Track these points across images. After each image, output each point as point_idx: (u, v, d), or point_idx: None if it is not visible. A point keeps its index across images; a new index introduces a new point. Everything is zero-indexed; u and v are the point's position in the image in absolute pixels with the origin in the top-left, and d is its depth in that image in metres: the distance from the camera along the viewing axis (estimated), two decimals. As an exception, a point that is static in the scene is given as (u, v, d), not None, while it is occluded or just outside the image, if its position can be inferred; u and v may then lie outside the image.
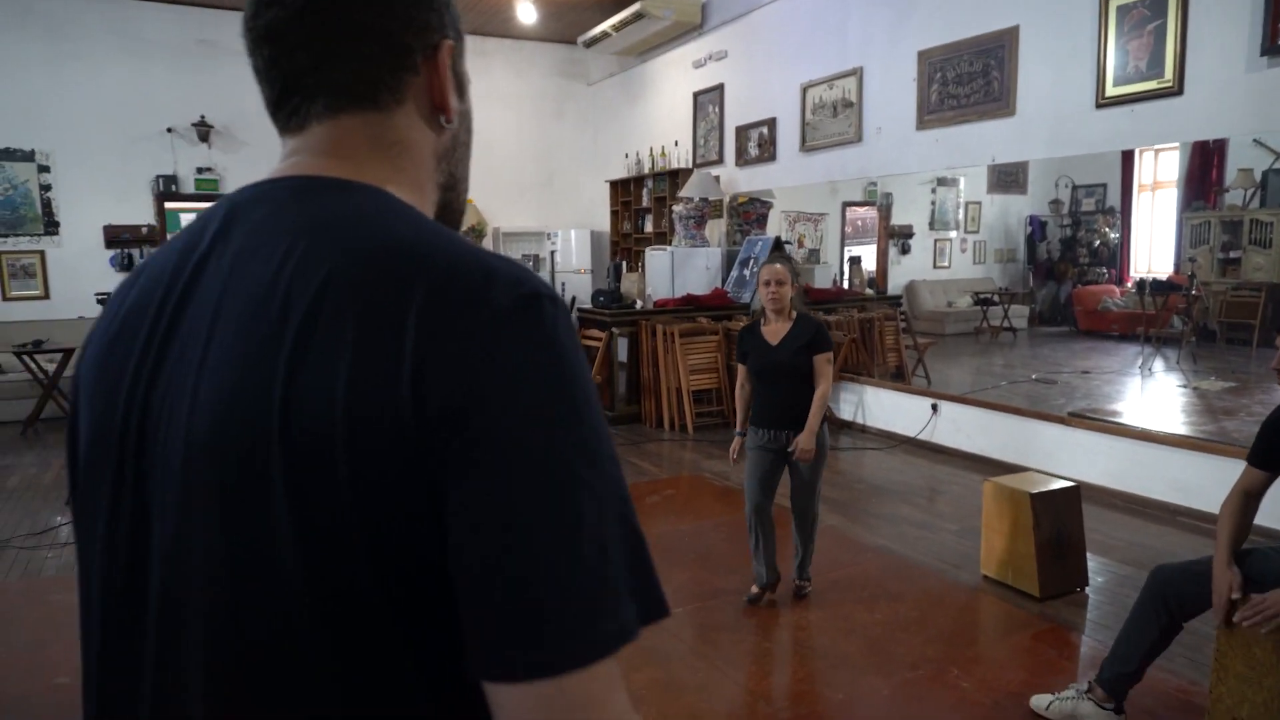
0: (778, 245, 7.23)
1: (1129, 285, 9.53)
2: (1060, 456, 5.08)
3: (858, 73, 6.31)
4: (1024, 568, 3.56)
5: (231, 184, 8.62)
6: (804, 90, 6.84)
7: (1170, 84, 4.35)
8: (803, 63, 6.84)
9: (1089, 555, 3.93)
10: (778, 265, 3.38)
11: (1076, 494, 3.67)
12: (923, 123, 5.79)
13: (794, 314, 3.40)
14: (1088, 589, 3.59)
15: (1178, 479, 4.46)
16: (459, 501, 0.52)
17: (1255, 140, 8.01)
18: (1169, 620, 2.42)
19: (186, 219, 9.04)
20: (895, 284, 10.62)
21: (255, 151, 8.65)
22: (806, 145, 6.87)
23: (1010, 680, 2.85)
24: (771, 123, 7.26)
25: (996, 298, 10.52)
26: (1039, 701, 2.65)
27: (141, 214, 8.43)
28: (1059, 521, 3.58)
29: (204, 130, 8.43)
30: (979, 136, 5.43)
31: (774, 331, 3.39)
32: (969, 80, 5.42)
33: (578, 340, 0.58)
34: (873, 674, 2.92)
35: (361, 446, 0.52)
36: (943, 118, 5.63)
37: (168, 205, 8.55)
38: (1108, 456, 4.84)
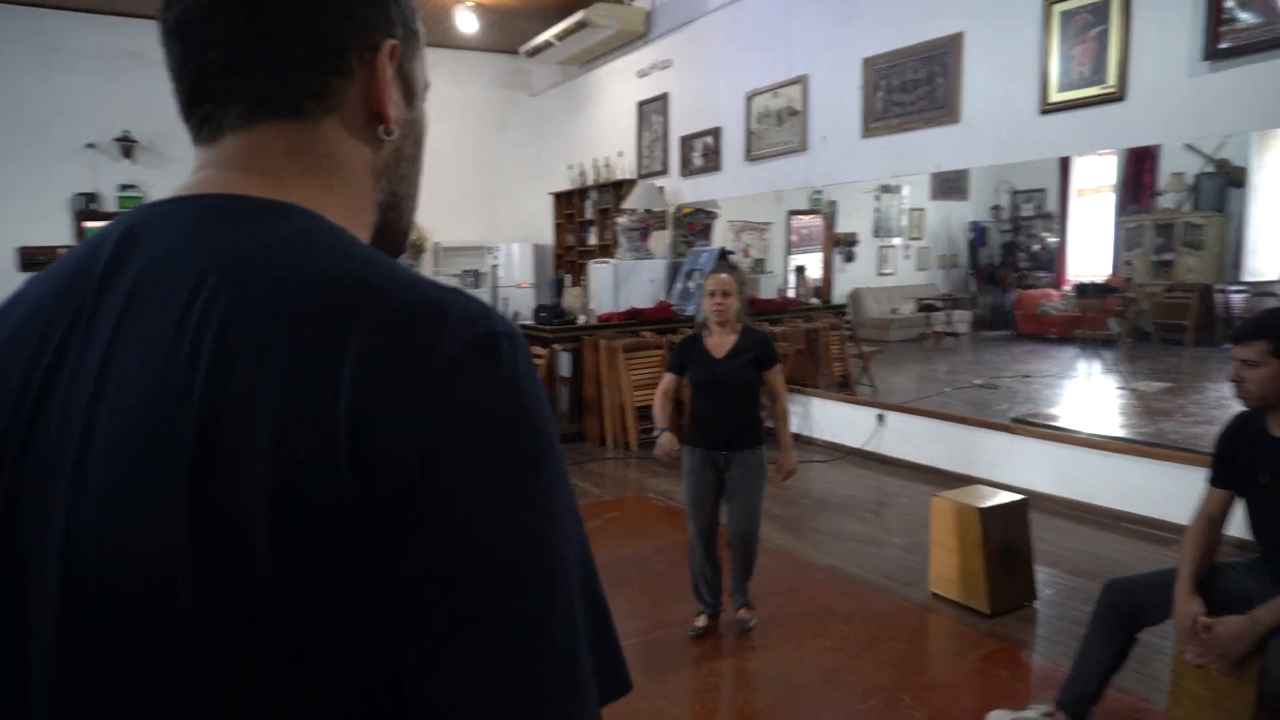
0: (723, 256, 7.14)
1: (1067, 289, 9.68)
2: (1005, 465, 5.03)
3: (803, 81, 6.25)
4: (974, 584, 3.47)
5: (157, 199, 8.28)
6: (749, 99, 6.76)
7: (1114, 89, 4.33)
8: (748, 71, 6.76)
9: (1037, 567, 3.88)
10: (724, 275, 3.25)
11: (1025, 506, 3.59)
12: (868, 130, 5.73)
13: (739, 326, 3.27)
14: (1037, 603, 3.52)
15: (1121, 484, 4.43)
16: (409, 583, 0.46)
17: (1187, 145, 8.17)
18: (1125, 636, 2.34)
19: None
20: (840, 292, 10.63)
21: (183, 167, 8.04)
22: (752, 154, 6.79)
23: (964, 705, 2.74)
24: (716, 132, 7.17)
25: (940, 303, 10.60)
26: (998, 718, 2.56)
27: (59, 234, 8.02)
28: (1008, 535, 3.50)
29: (127, 145, 8.08)
30: (924, 144, 5.38)
31: (718, 344, 3.25)
32: (914, 87, 5.39)
33: (538, 381, 0.52)
34: (824, 707, 2.78)
35: (291, 531, 0.45)
36: (888, 125, 5.59)
37: (87, 225, 8.15)
38: (1051, 463, 4.81)
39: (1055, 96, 4.55)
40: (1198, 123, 4.04)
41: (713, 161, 7.20)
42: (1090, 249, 9.78)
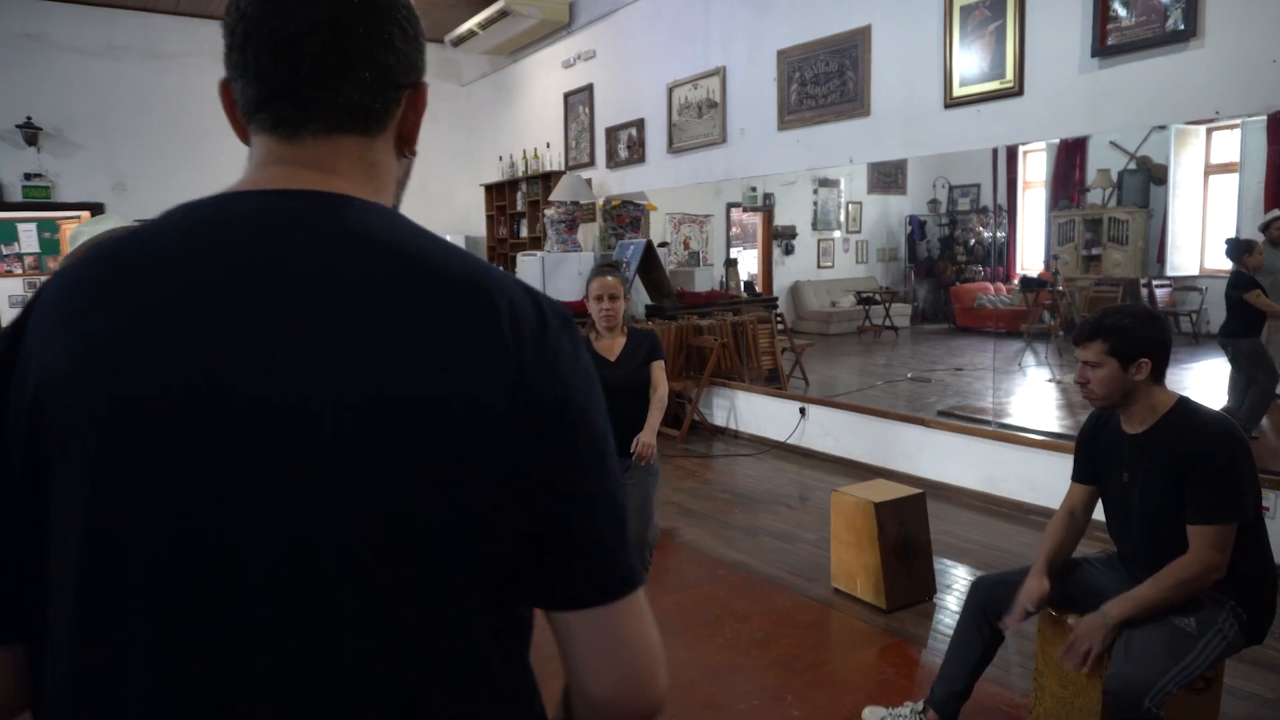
0: (650, 249, 7.07)
1: (1014, 282, 9.80)
2: (920, 458, 5.07)
3: (721, 72, 6.20)
4: (871, 580, 3.46)
5: (66, 191, 7.94)
6: (670, 90, 6.70)
7: (1011, 85, 4.36)
8: (669, 62, 6.70)
9: (942, 560, 3.89)
10: (609, 279, 3.17)
11: (922, 501, 3.59)
12: (784, 123, 5.71)
13: (625, 328, 3.21)
14: (935, 598, 3.53)
15: (1030, 477, 4.48)
16: (551, 473, 0.66)
17: (1111, 142, 8.30)
18: (991, 633, 2.34)
19: (26, 231, 8.27)
20: (780, 285, 10.66)
21: (92, 155, 7.98)
22: (674, 147, 6.73)
23: (845, 703, 2.72)
24: (640, 124, 7.10)
25: (879, 297, 10.67)
26: (870, 716, 2.55)
27: (-40, 224, 7.68)
28: (905, 530, 3.50)
29: (31, 133, 7.73)
30: (837, 137, 5.37)
31: (608, 347, 3.19)
32: (826, 80, 5.37)
33: None
34: (705, 708, 2.75)
35: (492, 433, 0.63)
36: (802, 118, 5.56)
37: (-8, 215, 7.82)
38: (964, 456, 4.84)
39: (958, 91, 4.56)
40: (1091, 118, 4.07)
41: (637, 153, 7.13)
42: (1031, 243, 9.91)
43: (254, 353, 0.61)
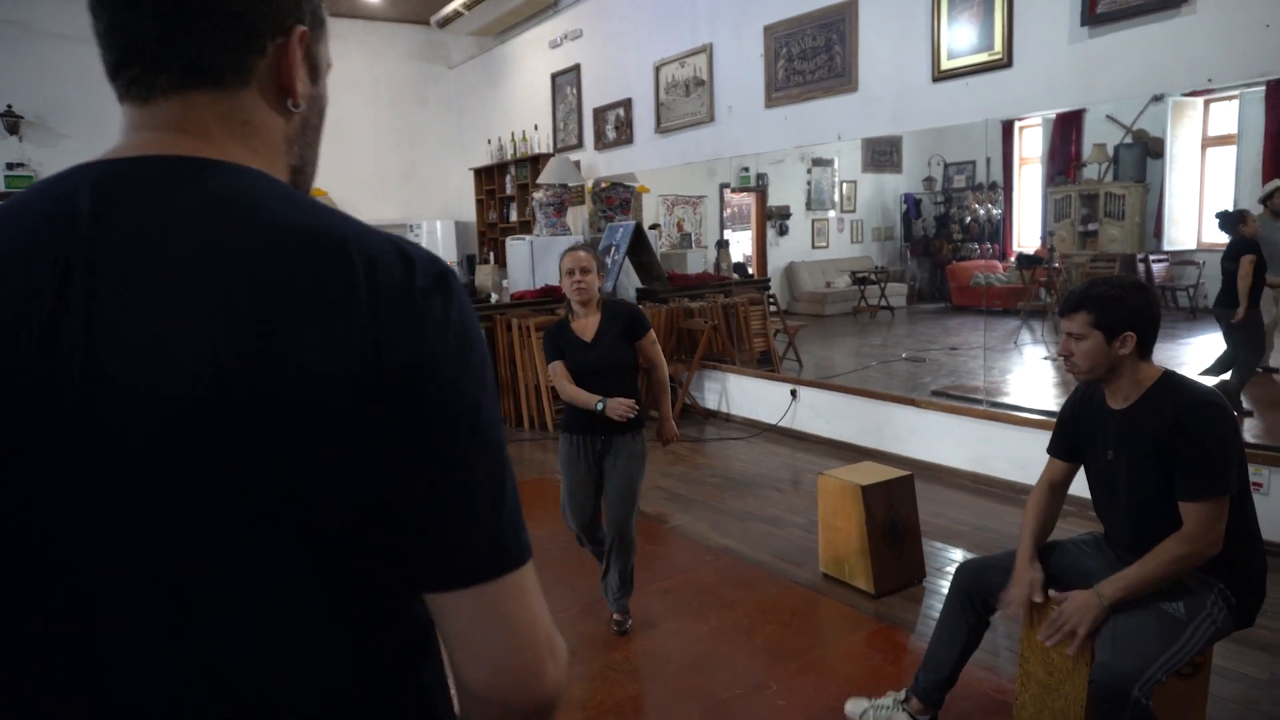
0: (639, 231, 6.98)
1: (1011, 260, 9.70)
2: (911, 439, 5.01)
3: (708, 49, 6.09)
4: (859, 564, 3.41)
5: (49, 180, 7.84)
6: (657, 69, 6.59)
7: (1000, 56, 4.26)
8: (655, 40, 6.59)
9: (933, 543, 3.84)
10: (581, 252, 3.05)
11: (910, 483, 3.53)
12: (771, 100, 5.61)
13: (600, 304, 3.11)
14: (925, 581, 3.47)
15: (1020, 456, 4.42)
16: (422, 441, 0.61)
17: (1107, 116, 8.18)
18: (976, 619, 2.28)
19: None
20: (775, 266, 10.56)
21: (76, 144, 7.86)
22: (662, 126, 6.63)
23: (829, 691, 2.67)
24: (628, 104, 6.99)
25: (874, 276, 10.57)
26: (853, 708, 2.49)
27: (-58, 216, 7.58)
28: (893, 513, 3.44)
29: (12, 121, 7.63)
30: (825, 113, 5.28)
31: (585, 326, 3.08)
32: (813, 55, 5.26)
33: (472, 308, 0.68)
34: (688, 698, 2.70)
35: (331, 401, 0.59)
36: (790, 95, 5.46)
37: (-25, 206, 7.72)
38: (956, 436, 4.78)
39: (946, 64, 4.47)
40: (1081, 90, 3.98)
41: (625, 134, 7.02)
42: (1029, 220, 9.81)
43: (79, 324, 0.58)
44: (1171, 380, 1.99)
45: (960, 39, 4.42)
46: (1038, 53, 4.12)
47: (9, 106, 7.60)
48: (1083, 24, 3.85)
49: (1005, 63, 4.23)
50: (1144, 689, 1.74)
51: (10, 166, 7.73)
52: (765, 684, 2.75)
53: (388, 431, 0.60)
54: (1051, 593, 2.05)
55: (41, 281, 0.59)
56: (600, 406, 2.93)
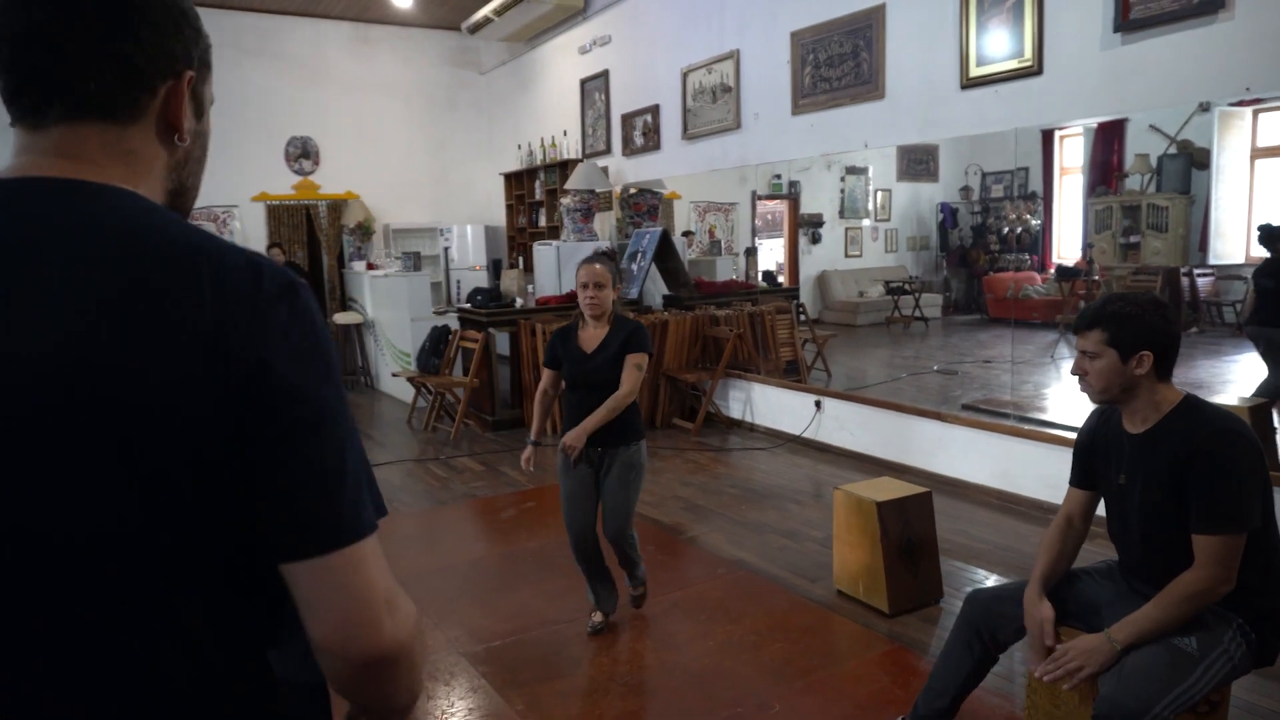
0: (665, 238, 6.94)
1: (1050, 272, 9.49)
2: (937, 454, 4.89)
3: (734, 55, 6.04)
4: (873, 581, 3.32)
5: (90, 182, 8.01)
6: (684, 75, 6.55)
7: (1030, 64, 4.15)
8: (683, 46, 6.55)
9: (953, 562, 3.73)
10: (597, 266, 3.04)
11: (928, 499, 3.43)
12: (798, 107, 5.54)
13: (611, 319, 3.08)
14: (942, 601, 3.37)
15: (1049, 474, 4.29)
16: (262, 433, 0.69)
17: (1151, 125, 7.96)
18: (983, 651, 2.19)
19: None
20: (806, 274, 10.44)
21: None
22: (689, 133, 6.59)
23: (833, 714, 2.60)
24: (655, 110, 6.96)
25: (908, 286, 10.40)
26: None
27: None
28: (909, 531, 3.35)
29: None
30: (851, 120, 5.19)
31: (590, 337, 3.06)
32: (840, 62, 5.19)
33: (323, 318, 0.77)
34: (688, 715, 2.64)
35: (184, 399, 0.67)
36: (816, 101, 5.39)
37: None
38: (983, 452, 4.66)
39: (975, 71, 4.36)
40: (1113, 98, 3.86)
41: (653, 140, 6.99)
42: (1073, 230, 9.59)
43: None
44: (1192, 405, 1.90)
45: (989, 45, 4.31)
46: (1069, 60, 4.00)
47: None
48: (1115, 30, 3.74)
49: (1035, 70, 4.12)
50: (1150, 728, 1.65)
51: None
52: (768, 704, 2.68)
53: (232, 428, 0.68)
54: (1060, 640, 1.96)
55: None
56: (533, 441, 3.18)
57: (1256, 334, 4.39)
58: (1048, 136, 9.15)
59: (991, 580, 3.59)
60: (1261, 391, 4.55)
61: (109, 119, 0.73)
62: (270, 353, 0.69)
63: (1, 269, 0.67)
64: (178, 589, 0.70)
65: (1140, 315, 1.89)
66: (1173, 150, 7.72)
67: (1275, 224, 4.47)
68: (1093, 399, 1.95)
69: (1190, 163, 7.62)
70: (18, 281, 0.66)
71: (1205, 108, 7.08)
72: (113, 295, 0.66)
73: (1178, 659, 1.76)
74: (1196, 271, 7.64)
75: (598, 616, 3.21)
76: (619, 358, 2.99)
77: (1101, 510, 2.11)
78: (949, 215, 10.96)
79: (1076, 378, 1.96)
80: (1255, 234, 4.36)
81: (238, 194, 8.75)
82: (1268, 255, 4.25)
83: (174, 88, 0.76)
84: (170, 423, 0.66)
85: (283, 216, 9.00)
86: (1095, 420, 2.10)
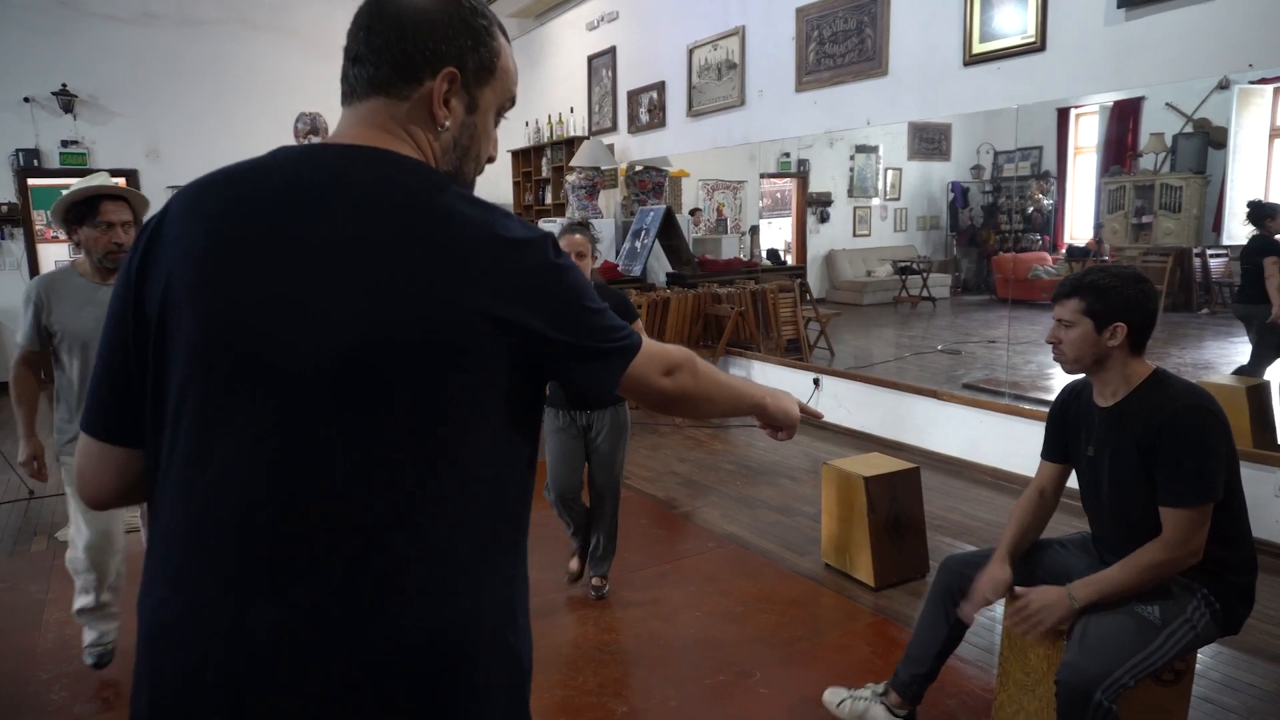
0: (670, 216, 6.94)
1: (1061, 252, 9.41)
2: (932, 431, 4.91)
3: (740, 32, 6.01)
4: (859, 555, 3.36)
5: (101, 158, 8.08)
6: (690, 52, 6.52)
7: (1034, 40, 4.12)
8: (689, 21, 6.52)
9: (942, 537, 3.77)
10: (577, 236, 3.05)
11: (916, 476, 3.46)
12: (802, 84, 5.51)
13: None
14: (927, 576, 3.40)
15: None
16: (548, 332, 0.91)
17: (1167, 104, 7.85)
18: (958, 617, 2.22)
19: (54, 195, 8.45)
20: (814, 253, 10.39)
21: (128, 123, 8.10)
22: (693, 110, 6.57)
23: (814, 682, 2.63)
24: (661, 87, 6.94)
25: (917, 266, 10.34)
26: (831, 697, 2.45)
27: (1, 191, 7.87)
28: (896, 506, 3.38)
29: (67, 100, 7.87)
30: (854, 98, 5.17)
31: None
32: (844, 39, 5.16)
33: None
34: (669, 683, 2.69)
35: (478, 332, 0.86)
36: (820, 79, 5.36)
37: (31, 182, 7.99)
38: (976, 429, 4.67)
39: (978, 47, 4.33)
40: (1116, 75, 3.83)
41: (658, 117, 6.98)
42: (1086, 210, 9.50)
43: (294, 263, 0.87)
44: (1161, 379, 1.91)
45: (994, 22, 4.28)
46: (1072, 36, 3.97)
47: (63, 85, 7.85)
48: (1119, 5, 3.70)
49: (1039, 46, 4.09)
50: (1108, 693, 1.68)
51: (65, 144, 7.99)
52: (750, 672, 2.73)
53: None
54: (1018, 589, 1.99)
55: (293, 207, 0.89)
56: None
57: (1241, 312, 4.39)
58: (1063, 115, 9.04)
59: (980, 556, 3.62)
60: (1243, 370, 4.54)
61: (392, 96, 0.94)
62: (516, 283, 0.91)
63: (352, 205, 0.87)
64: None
65: (1119, 288, 1.91)
66: (1189, 129, 7.62)
67: (1267, 202, 4.45)
68: (1065, 368, 1.97)
69: (1206, 142, 7.51)
70: (357, 214, 0.87)
71: (1224, 85, 6.97)
72: (409, 230, 0.86)
73: (1141, 626, 1.79)
74: (1210, 252, 7.57)
75: (575, 564, 3.33)
76: None
77: (1074, 482, 2.14)
78: (960, 195, 10.87)
79: (1051, 345, 1.97)
80: (1245, 209, 4.35)
81: (247, 169, 8.78)
82: (1255, 233, 4.25)
83: (438, 81, 0.94)
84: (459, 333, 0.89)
85: (292, 192, 9.02)
86: (1067, 394, 2.12)
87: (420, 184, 0.89)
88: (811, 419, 1.32)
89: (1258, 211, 4.19)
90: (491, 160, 1.07)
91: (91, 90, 8.01)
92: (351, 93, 0.96)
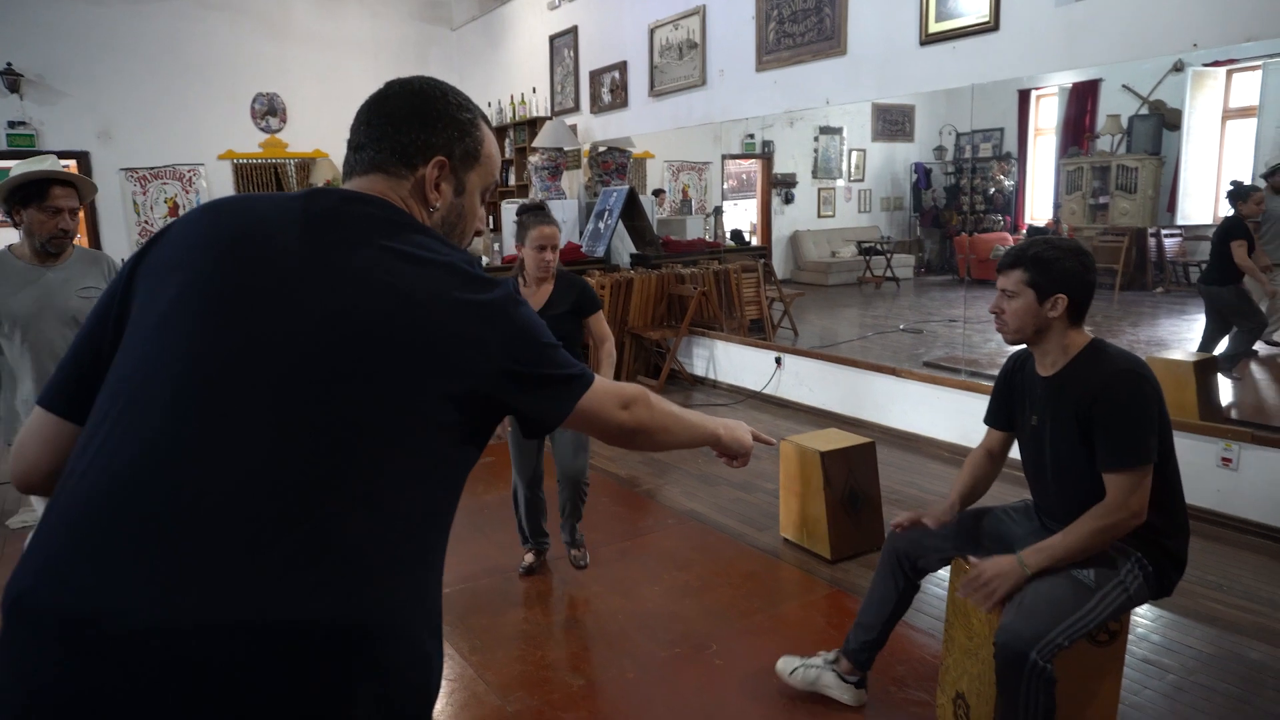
0: (632, 197, 6.93)
1: (1022, 232, 9.54)
2: (892, 408, 4.98)
3: (700, 11, 5.99)
4: (816, 529, 3.41)
5: (51, 139, 7.88)
6: (651, 31, 6.50)
7: (988, 20, 4.16)
8: (650, 1, 6.49)
9: (898, 511, 3.82)
10: (549, 229, 3.03)
11: (871, 451, 3.51)
12: (762, 64, 5.52)
13: (555, 274, 3.10)
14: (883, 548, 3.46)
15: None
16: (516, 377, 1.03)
17: (1123, 85, 7.96)
18: (906, 582, 2.28)
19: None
20: (779, 234, 10.43)
21: (77, 104, 7.91)
22: (655, 90, 6.55)
23: (769, 653, 2.68)
24: (623, 67, 6.91)
25: (881, 246, 10.43)
26: (784, 666, 2.49)
27: (-55, 172, 7.65)
28: (853, 480, 3.43)
29: (12, 80, 7.65)
30: (813, 77, 5.19)
31: (536, 296, 3.08)
32: (804, 18, 5.17)
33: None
34: (626, 656, 2.72)
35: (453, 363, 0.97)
36: (780, 58, 5.37)
37: (-23, 162, 7.78)
38: (935, 406, 4.75)
39: (934, 27, 4.37)
40: (1065, 54, 3.88)
41: (620, 98, 6.95)
42: (1046, 191, 9.64)
43: (295, 273, 0.95)
44: (1098, 349, 1.96)
45: (949, 1, 4.31)
46: (1024, 16, 4.01)
47: (9, 65, 7.63)
48: (1068, -15, 3.75)
49: (992, 26, 4.13)
50: (1043, 652, 1.73)
51: (12, 125, 7.78)
52: (706, 644, 2.77)
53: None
54: (971, 559, 2.04)
55: (286, 240, 0.98)
56: None
57: (1205, 291, 4.50)
58: (1023, 97, 9.16)
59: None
60: (1206, 348, 4.66)
61: (389, 175, 1.06)
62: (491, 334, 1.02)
63: (325, 238, 0.98)
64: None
65: (1060, 260, 1.94)
66: (1144, 111, 7.75)
67: (1247, 183, 4.55)
68: (1006, 338, 2.01)
69: (1161, 123, 7.65)
70: (345, 248, 0.97)
71: (1179, 68, 7.10)
72: (400, 274, 0.96)
73: (1075, 589, 1.84)
74: (1164, 232, 7.71)
75: (529, 558, 3.34)
76: (569, 317, 3.01)
77: (1016, 452, 2.19)
78: (923, 176, 10.97)
79: (993, 315, 2.01)
80: (1226, 189, 4.46)
81: (204, 152, 8.63)
82: (1229, 214, 4.36)
83: (430, 168, 1.07)
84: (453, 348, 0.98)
85: (250, 175, 8.90)
86: (1012, 363, 2.17)
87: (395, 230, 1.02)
88: (764, 445, 1.46)
89: (1237, 192, 4.30)
90: (479, 234, 1.13)
91: (39, 70, 7.80)
92: (352, 172, 1.09)
